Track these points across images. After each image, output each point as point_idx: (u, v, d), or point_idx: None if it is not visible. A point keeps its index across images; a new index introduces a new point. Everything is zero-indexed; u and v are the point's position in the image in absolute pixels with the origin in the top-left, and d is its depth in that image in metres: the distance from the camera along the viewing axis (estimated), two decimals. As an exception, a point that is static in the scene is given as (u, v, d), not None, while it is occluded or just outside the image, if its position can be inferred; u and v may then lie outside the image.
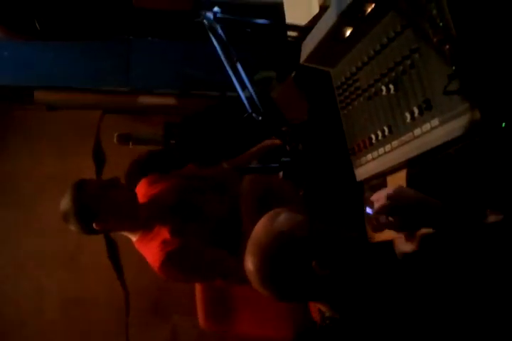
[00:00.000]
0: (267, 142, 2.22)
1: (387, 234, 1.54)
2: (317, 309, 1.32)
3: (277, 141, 2.08)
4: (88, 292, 3.14)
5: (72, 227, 1.87)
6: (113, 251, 2.11)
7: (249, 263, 1.20)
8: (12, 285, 3.10)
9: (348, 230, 1.26)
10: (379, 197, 1.23)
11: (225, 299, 2.33)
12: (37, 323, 3.11)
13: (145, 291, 3.11)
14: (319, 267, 1.15)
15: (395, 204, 1.18)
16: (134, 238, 1.99)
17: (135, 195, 2.00)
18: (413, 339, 1.11)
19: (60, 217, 1.87)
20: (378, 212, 1.21)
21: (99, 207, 1.84)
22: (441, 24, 1.22)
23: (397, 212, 1.19)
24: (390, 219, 1.21)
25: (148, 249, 1.93)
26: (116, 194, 1.89)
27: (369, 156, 1.55)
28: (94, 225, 1.83)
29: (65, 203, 1.85)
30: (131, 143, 2.08)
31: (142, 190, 2.15)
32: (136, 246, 1.99)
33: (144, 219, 1.97)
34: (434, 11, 1.24)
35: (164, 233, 1.93)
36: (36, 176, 3.15)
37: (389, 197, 1.19)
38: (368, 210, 1.62)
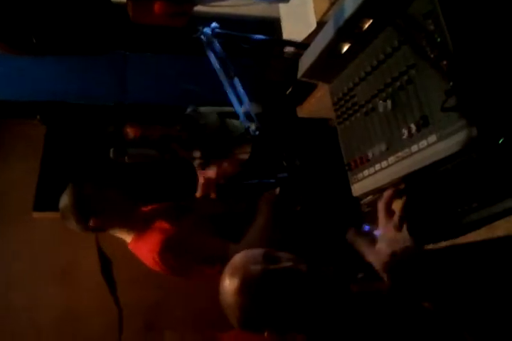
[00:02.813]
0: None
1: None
2: None
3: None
4: (81, 308, 3.11)
5: (70, 224, 1.94)
6: (107, 268, 2.10)
7: (230, 299, 1.25)
8: (4, 300, 3.06)
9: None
10: None
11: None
12: (29, 339, 3.07)
13: (138, 308, 3.08)
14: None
15: None
16: (128, 239, 2.03)
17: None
18: None
19: (60, 213, 2.00)
20: None
21: (97, 204, 1.98)
22: (438, 40, 1.21)
23: None
24: None
25: (145, 242, 2.04)
26: (114, 194, 1.97)
27: (366, 172, 1.53)
28: (91, 222, 1.89)
29: (64, 200, 1.99)
30: (126, 158, 2.06)
31: None
32: (131, 246, 2.06)
33: (140, 218, 2.08)
34: (432, 27, 1.24)
35: (162, 224, 2.04)
36: (28, 192, 3.13)
37: None
38: (366, 228, 1.61)
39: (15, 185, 3.14)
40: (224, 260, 1.95)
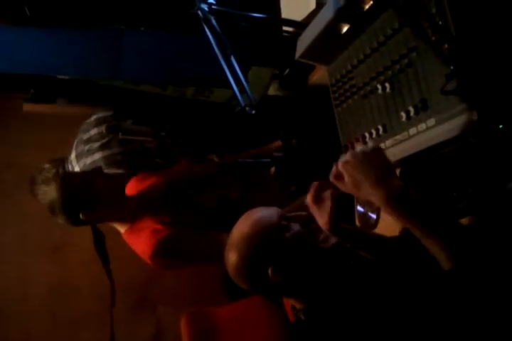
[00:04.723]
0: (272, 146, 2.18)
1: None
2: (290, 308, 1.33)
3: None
4: (72, 282, 3.13)
5: (60, 219, 1.85)
6: (100, 242, 2.07)
7: (230, 256, 1.27)
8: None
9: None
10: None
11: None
12: (20, 312, 3.09)
13: (131, 284, 3.10)
14: (274, 273, 1.20)
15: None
16: (122, 230, 1.97)
17: (122, 183, 1.99)
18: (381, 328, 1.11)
19: (47, 209, 1.85)
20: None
21: (86, 197, 1.83)
22: (440, 23, 1.21)
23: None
24: None
25: (138, 240, 1.91)
26: (102, 182, 1.89)
27: (362, 155, 1.53)
28: (81, 216, 1.81)
29: (50, 195, 1.83)
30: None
31: (132, 187, 2.12)
32: (125, 237, 1.97)
33: (132, 211, 1.95)
34: (434, 10, 1.23)
35: (154, 224, 1.91)
36: (19, 166, 3.10)
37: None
38: (359, 208, 1.62)
39: (8, 159, 3.11)
40: (219, 256, 1.95)
